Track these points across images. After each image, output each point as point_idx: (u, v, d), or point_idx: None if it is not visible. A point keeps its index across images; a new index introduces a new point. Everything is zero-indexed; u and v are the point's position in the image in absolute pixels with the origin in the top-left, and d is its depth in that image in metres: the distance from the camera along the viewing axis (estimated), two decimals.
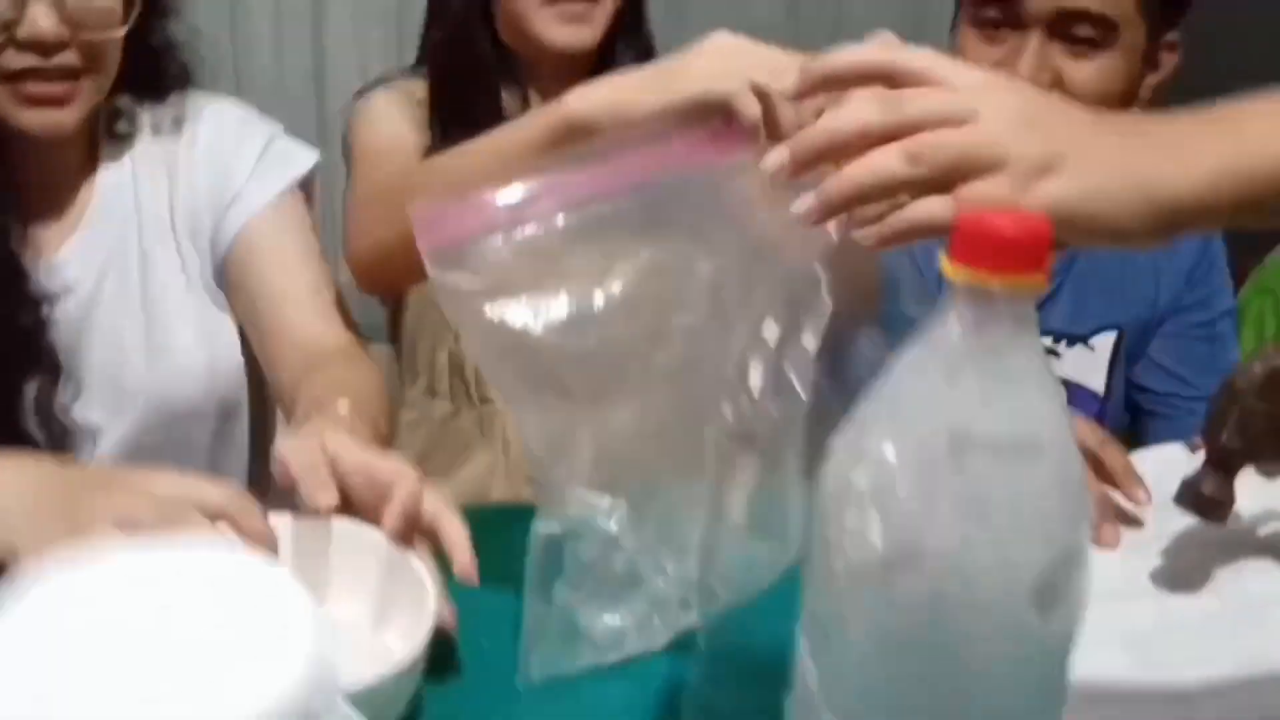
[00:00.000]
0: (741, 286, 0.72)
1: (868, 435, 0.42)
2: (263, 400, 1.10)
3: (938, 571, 0.39)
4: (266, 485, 1.10)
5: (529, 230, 0.68)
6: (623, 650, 0.72)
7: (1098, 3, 0.96)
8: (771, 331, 0.72)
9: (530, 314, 0.68)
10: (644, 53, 1.22)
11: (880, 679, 0.42)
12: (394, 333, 1.30)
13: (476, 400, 1.23)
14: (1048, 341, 1.14)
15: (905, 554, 0.40)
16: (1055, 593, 0.40)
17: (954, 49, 1.06)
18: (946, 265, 0.40)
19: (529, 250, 0.68)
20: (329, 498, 0.72)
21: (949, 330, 0.40)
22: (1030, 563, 0.39)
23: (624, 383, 0.71)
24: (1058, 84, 0.98)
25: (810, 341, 0.74)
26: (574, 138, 0.78)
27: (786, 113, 0.70)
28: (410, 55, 1.30)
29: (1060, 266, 1.13)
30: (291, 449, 0.76)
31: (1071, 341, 1.15)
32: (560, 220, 0.69)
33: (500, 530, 0.82)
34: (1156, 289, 1.17)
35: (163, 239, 1.00)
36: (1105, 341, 1.16)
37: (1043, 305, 1.13)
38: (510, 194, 0.68)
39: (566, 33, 1.15)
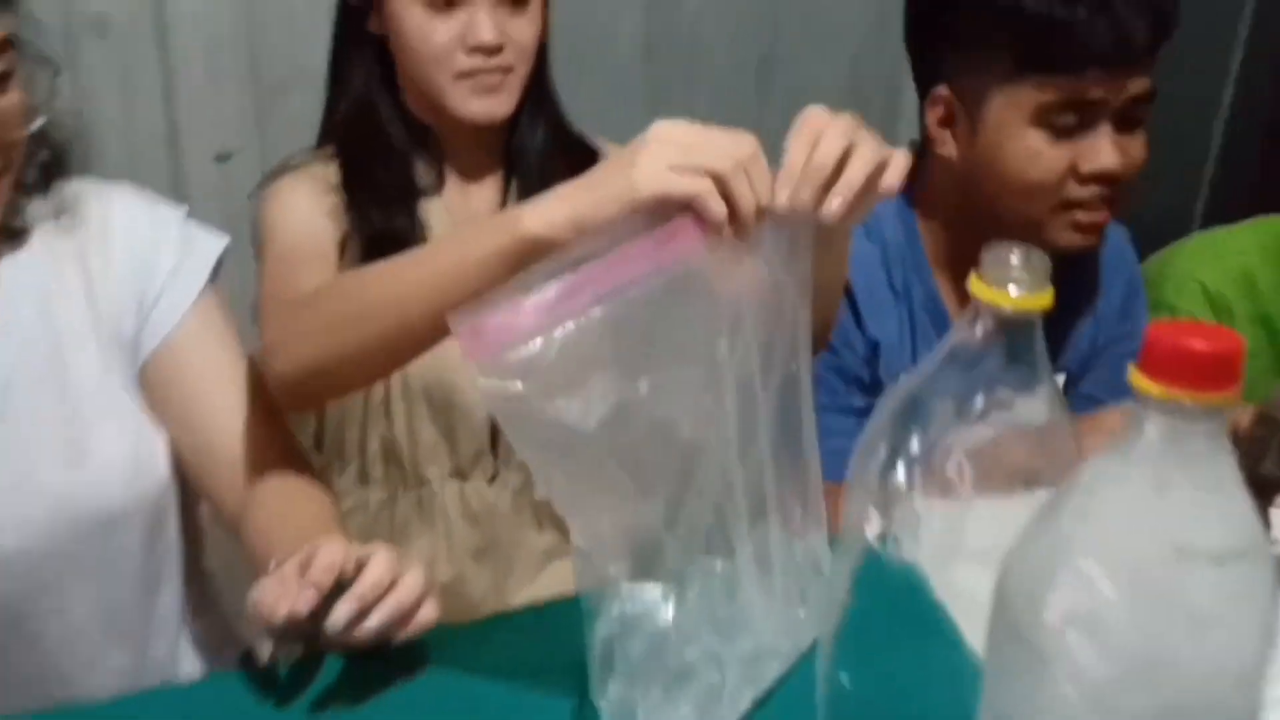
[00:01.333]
0: (755, 357, 0.74)
1: (1077, 552, 0.43)
2: (189, 504, 1.04)
3: (1170, 682, 0.41)
4: (202, 590, 1.06)
5: (569, 328, 0.68)
6: None
7: (1152, 83, 1.06)
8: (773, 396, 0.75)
9: (581, 411, 0.67)
10: (552, 116, 1.22)
11: None
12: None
13: (414, 482, 1.20)
14: None
15: (1138, 669, 0.41)
16: (1261, 676, 0.43)
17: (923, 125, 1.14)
18: (1142, 382, 0.42)
19: (571, 348, 0.67)
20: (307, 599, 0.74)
21: (1148, 444, 0.42)
22: (1250, 658, 0.42)
23: (668, 469, 0.72)
24: (1128, 163, 1.07)
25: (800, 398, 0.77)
26: (533, 256, 0.76)
27: (745, 195, 0.73)
28: (267, 115, 1.25)
29: None
30: (264, 587, 0.78)
31: None
32: (596, 314, 0.68)
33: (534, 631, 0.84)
34: (1096, 329, 1.23)
35: (81, 343, 0.94)
36: None
37: None
38: (544, 294, 0.68)
39: (483, 105, 1.13)
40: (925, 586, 0.55)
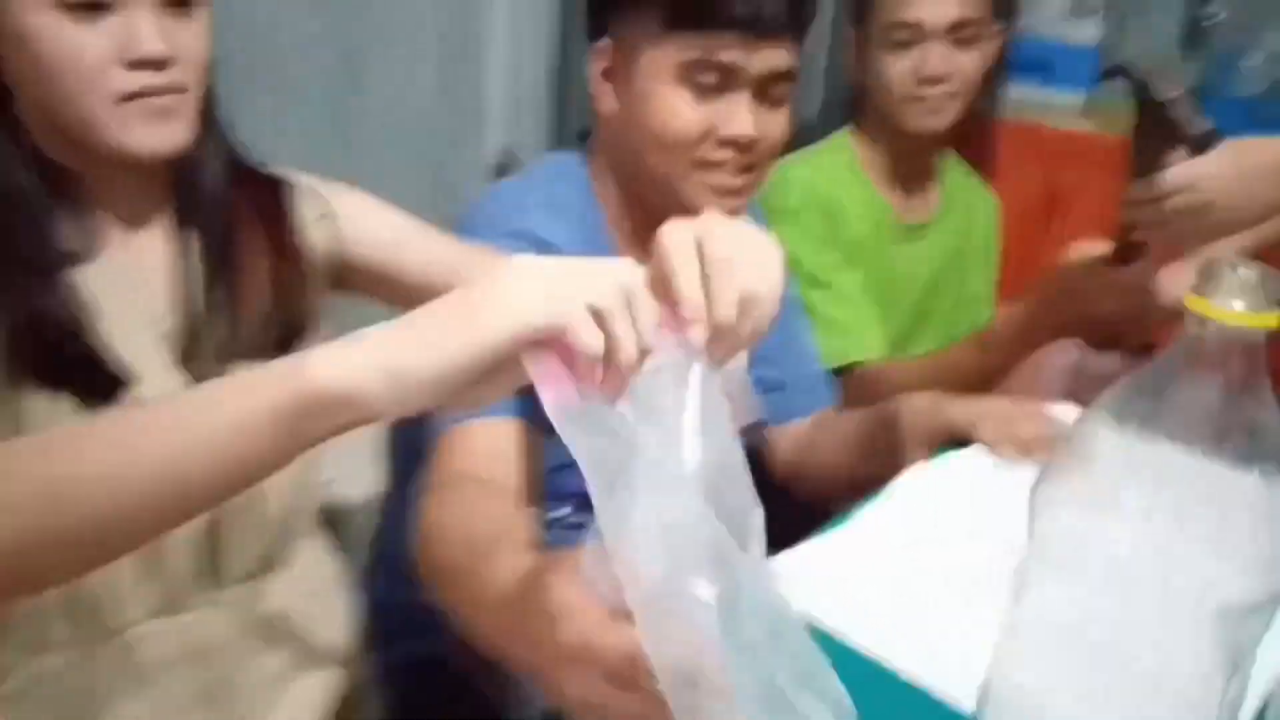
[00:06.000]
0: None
1: None
2: None
3: None
4: None
5: None
6: None
7: (792, 61, 1.13)
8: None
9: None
10: (225, 144, 0.98)
11: None
12: None
13: (112, 631, 0.92)
14: None
15: None
16: None
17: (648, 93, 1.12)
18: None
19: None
20: None
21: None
22: None
23: None
24: (764, 135, 1.13)
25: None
26: (319, 419, 0.61)
27: (625, 337, 0.62)
28: None
29: None
30: None
31: None
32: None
33: None
34: None
35: None
36: None
37: None
38: None
39: (153, 134, 0.88)
40: None
